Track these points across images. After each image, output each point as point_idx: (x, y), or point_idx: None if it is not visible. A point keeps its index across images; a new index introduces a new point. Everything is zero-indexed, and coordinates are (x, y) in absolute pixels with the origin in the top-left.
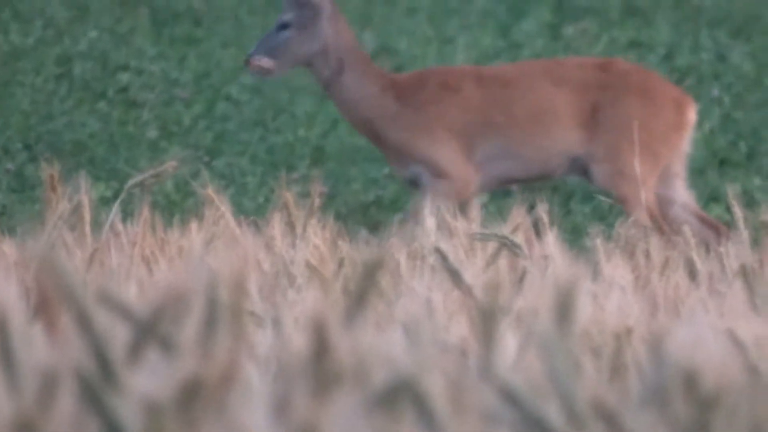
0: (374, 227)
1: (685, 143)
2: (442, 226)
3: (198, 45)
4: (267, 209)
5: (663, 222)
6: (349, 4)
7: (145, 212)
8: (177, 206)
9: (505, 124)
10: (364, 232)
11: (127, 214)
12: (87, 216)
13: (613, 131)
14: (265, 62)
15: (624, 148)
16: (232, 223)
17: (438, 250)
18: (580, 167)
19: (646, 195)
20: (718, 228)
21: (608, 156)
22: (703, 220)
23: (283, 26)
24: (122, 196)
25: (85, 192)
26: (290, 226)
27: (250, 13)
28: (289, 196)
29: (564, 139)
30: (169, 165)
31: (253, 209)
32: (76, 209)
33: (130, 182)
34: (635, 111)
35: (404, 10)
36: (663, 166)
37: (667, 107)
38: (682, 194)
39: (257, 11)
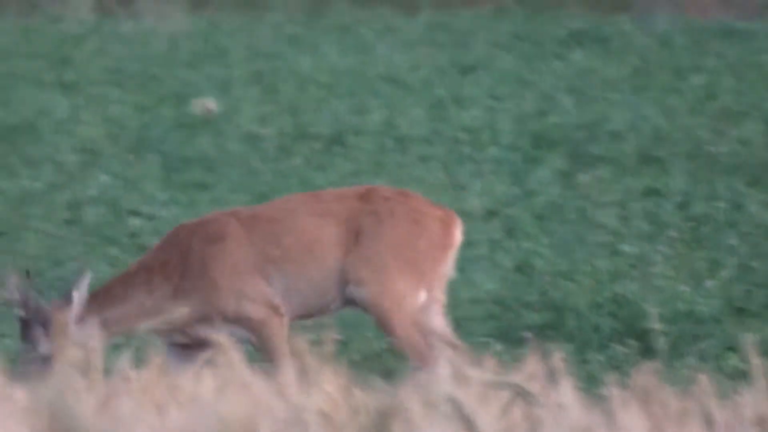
0: (388, 375)
1: (449, 264)
2: (456, 374)
3: (209, 190)
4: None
5: (424, 348)
6: (363, 151)
7: (158, 357)
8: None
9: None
10: (377, 380)
11: (139, 360)
12: (98, 362)
13: (376, 253)
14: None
15: (386, 268)
16: (244, 369)
17: (452, 399)
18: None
19: (409, 318)
20: (455, 345)
21: (371, 277)
22: (455, 347)
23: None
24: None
25: (96, 337)
26: (303, 372)
27: (262, 159)
28: (301, 342)
29: (333, 269)
30: (179, 311)
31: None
32: (87, 355)
33: (142, 328)
34: (398, 233)
35: (417, 157)
36: (427, 286)
37: (431, 227)
38: (440, 322)
39: (268, 158)
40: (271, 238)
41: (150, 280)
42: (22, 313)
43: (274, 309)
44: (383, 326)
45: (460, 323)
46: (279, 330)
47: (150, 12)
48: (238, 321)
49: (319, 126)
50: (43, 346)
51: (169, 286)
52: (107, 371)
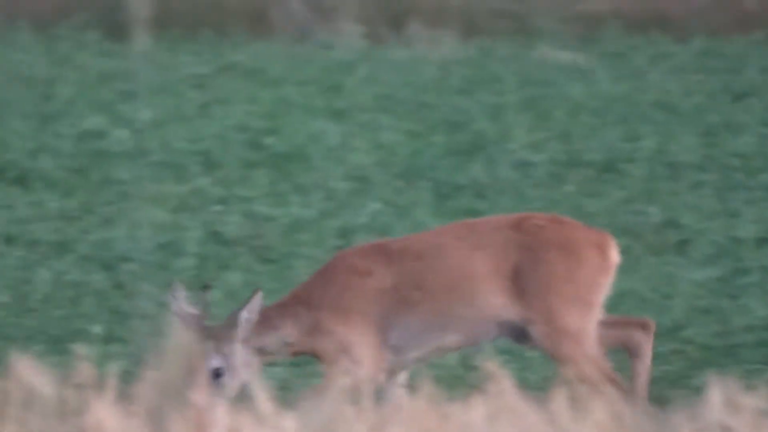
0: (659, 402)
1: (610, 286)
2: (728, 401)
3: (480, 217)
4: (551, 384)
5: (612, 373)
6: (635, 178)
7: (428, 385)
8: (460, 380)
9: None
10: (648, 407)
11: (409, 388)
12: (368, 389)
13: (540, 290)
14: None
15: (554, 306)
16: (515, 396)
17: (724, 426)
18: (515, 331)
19: (589, 348)
20: (644, 323)
21: (541, 317)
22: (626, 323)
23: (217, 374)
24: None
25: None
26: (574, 400)
27: (533, 186)
28: (572, 371)
29: (486, 303)
30: (451, 342)
31: (536, 383)
32: (358, 382)
33: (410, 355)
34: (558, 266)
35: (689, 184)
36: (597, 313)
37: (588, 253)
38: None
39: (540, 184)
40: (415, 277)
41: (296, 312)
42: (187, 327)
43: (375, 363)
44: (563, 363)
45: (732, 350)
46: (364, 377)
47: (421, 39)
48: (332, 358)
49: (591, 153)
50: (213, 361)
51: (309, 319)
52: (377, 398)
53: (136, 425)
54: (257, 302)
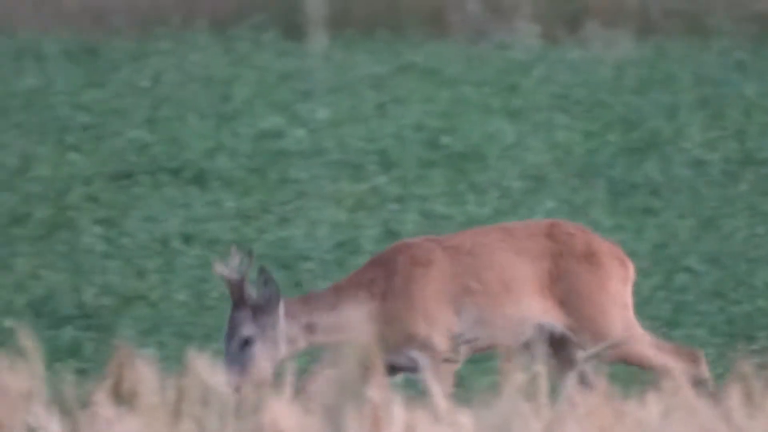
0: None
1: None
2: None
3: (655, 216)
4: (725, 380)
5: (677, 347)
6: None
7: (603, 382)
8: (635, 377)
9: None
10: None
11: (584, 385)
12: (544, 386)
13: (579, 300)
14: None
15: (596, 315)
16: (690, 394)
17: None
18: (555, 335)
19: (642, 341)
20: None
21: (586, 327)
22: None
23: (246, 342)
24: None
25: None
26: (748, 396)
27: (708, 185)
28: (747, 366)
29: (526, 305)
30: (621, 339)
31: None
32: (534, 379)
33: (584, 354)
34: (591, 274)
35: None
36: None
37: (612, 263)
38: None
39: (714, 183)
40: (471, 270)
41: (356, 296)
42: (232, 294)
43: (454, 346)
44: (630, 363)
45: None
46: (443, 371)
47: (597, 39)
48: (420, 348)
49: (765, 152)
50: (245, 329)
51: (371, 304)
52: (554, 395)
53: (313, 423)
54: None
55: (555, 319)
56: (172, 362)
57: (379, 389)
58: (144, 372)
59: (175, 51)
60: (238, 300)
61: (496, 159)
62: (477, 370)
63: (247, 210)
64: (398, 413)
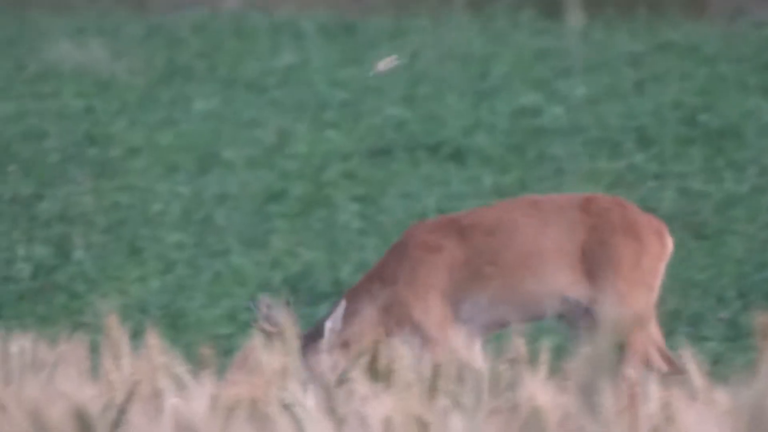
0: None
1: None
2: None
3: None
4: None
5: (669, 354)
6: None
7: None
8: None
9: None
10: None
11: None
12: None
13: (609, 273)
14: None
15: (624, 289)
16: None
17: None
18: (577, 309)
19: (651, 331)
20: (673, 365)
21: (611, 300)
22: (662, 355)
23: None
24: None
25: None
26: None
27: None
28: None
29: (553, 281)
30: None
31: None
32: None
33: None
34: (625, 249)
35: None
36: (654, 298)
37: (649, 239)
38: (656, 332)
39: None
40: (487, 252)
41: (371, 290)
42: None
43: (449, 339)
44: (626, 346)
45: None
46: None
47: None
48: (414, 334)
49: None
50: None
51: (385, 292)
52: None
53: (568, 400)
54: (341, 312)
55: (581, 293)
56: None
57: (634, 367)
58: (399, 349)
59: (433, 28)
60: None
61: (754, 136)
62: (734, 348)
63: (504, 187)
64: (654, 391)
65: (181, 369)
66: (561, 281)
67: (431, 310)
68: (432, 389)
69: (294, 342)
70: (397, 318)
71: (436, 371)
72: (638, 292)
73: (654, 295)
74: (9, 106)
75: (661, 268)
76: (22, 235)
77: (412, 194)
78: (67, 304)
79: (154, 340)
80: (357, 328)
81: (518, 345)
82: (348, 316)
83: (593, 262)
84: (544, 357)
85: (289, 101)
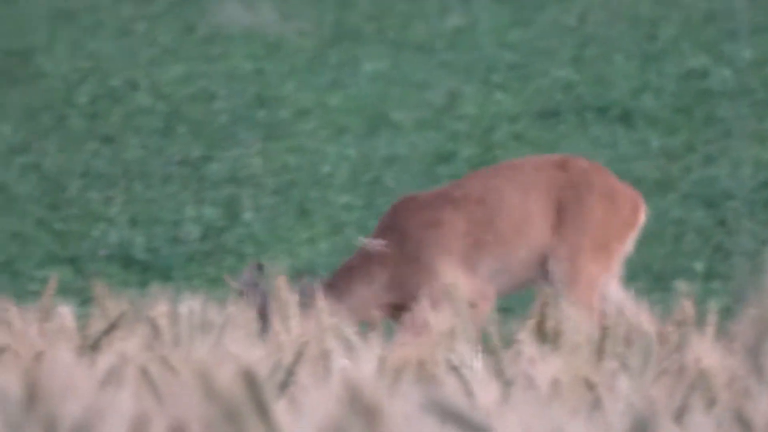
0: None
1: (631, 243)
2: None
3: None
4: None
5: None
6: None
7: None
8: None
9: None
10: None
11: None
12: None
13: (575, 230)
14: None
15: (583, 247)
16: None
17: None
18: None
19: (597, 298)
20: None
21: (568, 256)
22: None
23: None
24: None
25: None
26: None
27: None
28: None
29: (538, 244)
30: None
31: None
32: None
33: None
34: (597, 210)
35: None
36: (614, 266)
37: (623, 205)
38: (618, 293)
39: None
40: (483, 222)
41: (368, 271)
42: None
43: (484, 295)
44: (571, 302)
45: None
46: (484, 316)
47: None
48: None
49: None
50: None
51: (385, 275)
52: None
53: (735, 362)
54: (305, 286)
55: (549, 248)
56: None
57: None
58: (568, 311)
59: None
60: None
61: None
62: None
63: (672, 149)
64: None
65: (350, 330)
66: (544, 244)
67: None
68: (599, 351)
69: (463, 304)
70: (416, 294)
71: (604, 333)
72: (598, 253)
73: (612, 266)
74: (178, 68)
75: (630, 237)
76: (191, 197)
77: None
78: (236, 265)
79: (323, 300)
80: (346, 308)
81: (686, 307)
82: (336, 297)
83: (564, 216)
84: (711, 319)
85: (457, 63)
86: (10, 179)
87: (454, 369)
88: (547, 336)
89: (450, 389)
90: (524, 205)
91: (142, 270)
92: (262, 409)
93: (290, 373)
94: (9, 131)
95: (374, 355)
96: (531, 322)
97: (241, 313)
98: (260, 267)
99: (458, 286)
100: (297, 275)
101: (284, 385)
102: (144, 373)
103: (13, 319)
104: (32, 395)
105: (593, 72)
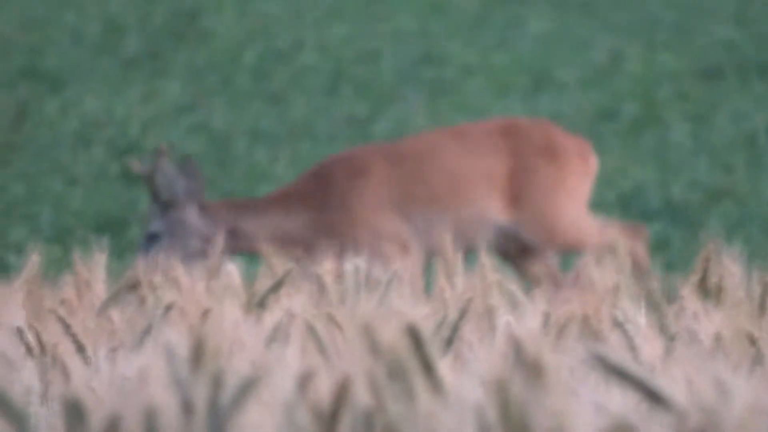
0: None
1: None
2: None
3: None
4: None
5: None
6: None
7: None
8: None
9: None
10: None
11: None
12: None
13: (532, 195)
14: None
15: (548, 209)
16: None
17: None
18: (508, 237)
19: (591, 230)
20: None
21: (535, 219)
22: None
23: (152, 237)
24: None
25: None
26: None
27: None
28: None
29: (481, 206)
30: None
31: None
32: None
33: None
34: (548, 170)
35: None
36: (585, 206)
37: (572, 159)
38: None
39: None
40: (415, 176)
41: (289, 207)
42: (150, 187)
43: (406, 248)
44: (572, 250)
45: None
46: (407, 269)
47: None
48: (370, 255)
49: None
50: (154, 225)
51: (306, 216)
52: None
53: None
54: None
55: (509, 218)
56: (758, 257)
57: None
58: (731, 267)
59: None
60: (152, 196)
61: None
62: None
63: None
64: None
65: (514, 287)
66: (491, 208)
67: (378, 228)
68: (762, 306)
69: (626, 260)
70: (347, 246)
71: (766, 288)
72: (566, 211)
73: (584, 205)
74: (343, 28)
75: (586, 186)
76: None
77: (742, 114)
78: None
79: (488, 258)
80: (253, 229)
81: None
82: (251, 215)
83: (518, 186)
84: None
85: (620, 22)
86: (177, 138)
87: (618, 325)
88: (709, 292)
89: (614, 345)
90: (464, 166)
91: None
92: (427, 366)
93: (455, 329)
94: (177, 91)
95: (539, 311)
96: (693, 278)
97: (406, 270)
98: (160, 151)
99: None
100: (184, 157)
101: (449, 342)
102: (310, 329)
103: (180, 277)
104: (199, 352)
105: (756, 30)
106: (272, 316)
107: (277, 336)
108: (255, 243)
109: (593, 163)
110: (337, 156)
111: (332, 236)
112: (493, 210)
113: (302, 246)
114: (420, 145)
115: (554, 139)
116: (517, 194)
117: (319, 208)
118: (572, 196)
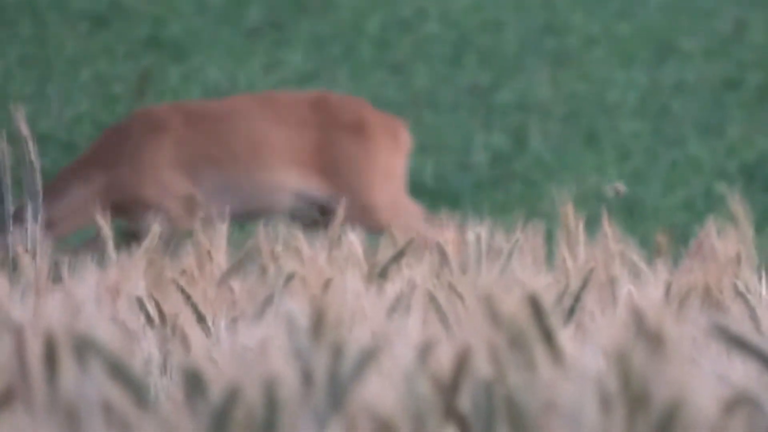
0: None
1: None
2: None
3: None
4: None
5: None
6: None
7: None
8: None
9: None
10: None
11: None
12: None
13: (343, 171)
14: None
15: (361, 185)
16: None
17: None
18: (314, 204)
19: (408, 216)
20: None
21: (349, 196)
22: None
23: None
24: None
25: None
26: None
27: None
28: None
29: (282, 175)
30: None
31: None
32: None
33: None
34: (355, 148)
35: None
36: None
37: (382, 137)
38: None
39: None
40: (213, 136)
41: (86, 173)
42: None
43: (192, 209)
44: (381, 231)
45: None
46: (184, 225)
47: None
48: (156, 212)
49: None
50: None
51: (103, 176)
52: None
53: None
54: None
55: (317, 189)
56: None
57: None
58: None
59: None
60: None
61: None
62: None
63: None
64: None
65: (637, 256)
66: (293, 177)
67: (165, 186)
68: None
69: (748, 230)
70: (133, 201)
71: None
72: (379, 187)
73: (400, 184)
74: None
75: (399, 163)
76: (479, 125)
77: None
78: (524, 192)
79: (610, 227)
80: (61, 212)
81: None
82: (52, 198)
83: (326, 161)
84: None
85: None
86: None
87: (740, 295)
88: None
89: (735, 315)
90: (267, 133)
91: (432, 197)
92: (548, 336)
93: (577, 299)
94: (299, 60)
95: (660, 281)
96: None
97: (528, 239)
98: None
99: None
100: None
101: (570, 312)
102: (431, 299)
103: (302, 247)
104: (320, 323)
105: None
106: (393, 286)
107: (398, 306)
108: (72, 223)
109: (405, 140)
110: (137, 111)
111: (123, 194)
112: (295, 179)
113: (115, 210)
114: (224, 107)
115: (363, 115)
116: (327, 169)
117: (111, 165)
118: (385, 174)
